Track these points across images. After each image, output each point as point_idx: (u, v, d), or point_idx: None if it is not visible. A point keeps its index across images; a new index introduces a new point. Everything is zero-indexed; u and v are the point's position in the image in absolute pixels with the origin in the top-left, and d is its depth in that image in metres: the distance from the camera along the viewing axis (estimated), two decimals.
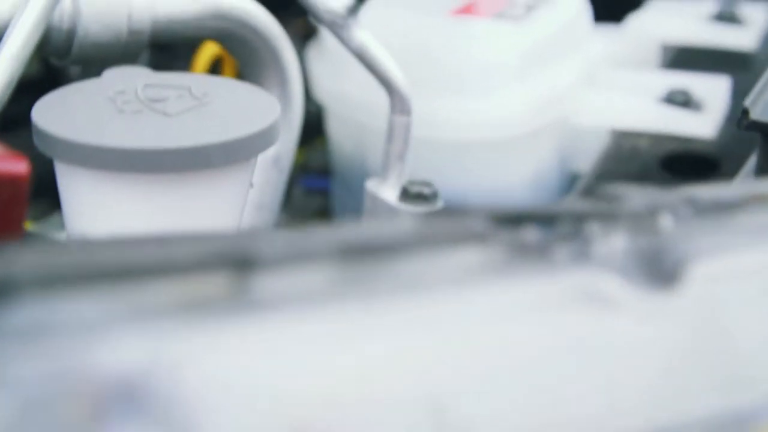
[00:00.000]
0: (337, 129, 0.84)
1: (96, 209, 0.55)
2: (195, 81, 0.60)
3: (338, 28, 0.68)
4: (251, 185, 0.59)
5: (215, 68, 1.04)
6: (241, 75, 0.75)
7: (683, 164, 0.78)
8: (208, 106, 0.57)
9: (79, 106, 0.57)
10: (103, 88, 0.59)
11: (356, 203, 0.81)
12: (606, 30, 0.94)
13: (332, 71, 0.81)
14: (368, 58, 0.69)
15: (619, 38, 0.93)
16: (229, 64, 1.05)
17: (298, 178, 0.97)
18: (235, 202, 0.57)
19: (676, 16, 0.94)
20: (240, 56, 0.73)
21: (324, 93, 0.83)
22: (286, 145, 0.74)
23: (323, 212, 1.01)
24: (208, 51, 1.01)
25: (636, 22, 0.94)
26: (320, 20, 0.69)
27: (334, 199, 0.88)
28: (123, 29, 0.66)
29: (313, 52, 0.87)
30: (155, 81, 0.60)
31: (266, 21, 0.72)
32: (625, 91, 0.83)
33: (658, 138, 0.79)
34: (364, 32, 0.69)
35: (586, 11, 0.85)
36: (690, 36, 0.93)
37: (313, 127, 0.88)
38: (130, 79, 0.61)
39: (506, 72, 0.76)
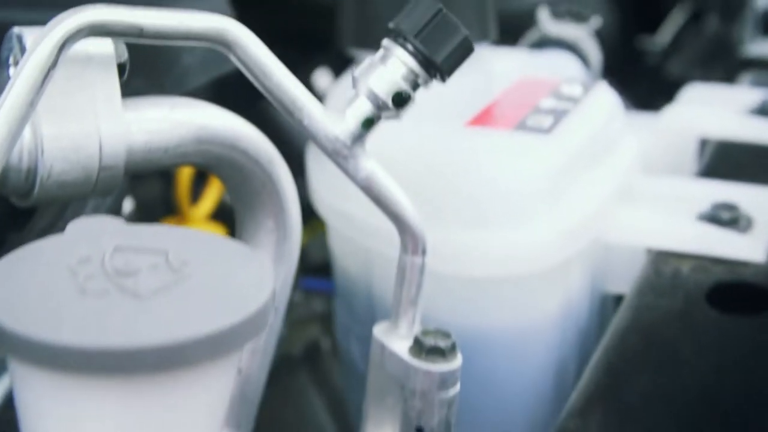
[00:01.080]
0: (339, 247, 0.75)
1: (55, 415, 0.46)
2: (173, 242, 0.51)
3: (342, 159, 0.59)
4: (239, 371, 0.50)
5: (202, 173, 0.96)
6: (231, 202, 0.66)
7: (733, 295, 0.68)
8: (187, 281, 0.48)
9: (33, 282, 0.48)
10: (64, 252, 0.50)
11: (360, 331, 0.72)
12: (639, 121, 0.85)
13: (334, 185, 0.72)
14: (376, 192, 0.60)
15: (654, 133, 0.84)
16: (214, 185, 0.97)
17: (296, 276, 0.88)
18: (221, 397, 0.48)
19: (715, 108, 0.85)
20: (230, 182, 0.64)
21: (324, 208, 0.74)
22: (282, 282, 0.65)
23: (325, 319, 0.92)
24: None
25: (672, 114, 0.85)
26: (321, 149, 0.60)
27: (336, 322, 0.79)
28: (93, 165, 0.57)
29: (312, 154, 0.78)
30: (127, 242, 0.51)
31: (259, 142, 0.63)
32: (664, 203, 0.74)
33: (702, 262, 0.70)
34: (371, 162, 0.60)
35: (617, 107, 0.77)
36: (730, 130, 0.84)
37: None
38: (98, 238, 0.51)
39: (532, 196, 0.66)
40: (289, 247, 0.65)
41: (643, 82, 1.17)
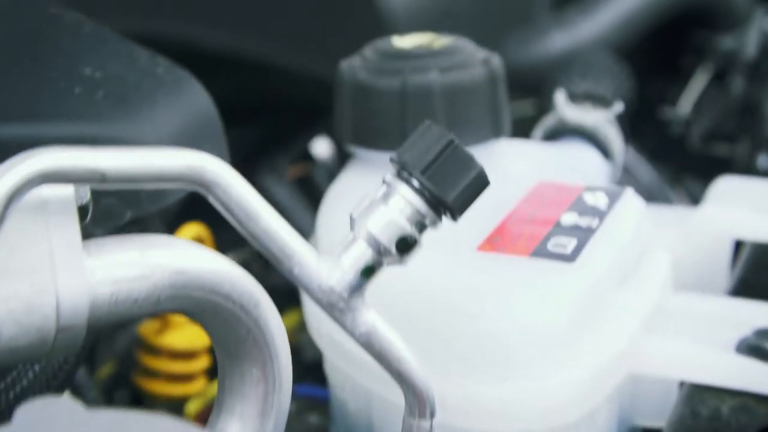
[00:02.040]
0: (337, 379, 0.67)
1: None
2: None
3: (338, 313, 0.52)
4: None
5: None
6: (214, 348, 0.59)
7: None
8: None
9: None
10: None
11: None
12: (668, 217, 0.77)
13: None
14: (378, 349, 0.52)
15: (684, 234, 0.76)
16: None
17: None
18: None
19: (749, 205, 0.77)
20: (210, 327, 0.56)
21: (320, 337, 0.66)
22: None
23: None
24: (189, 233, 0.85)
25: (703, 213, 0.77)
26: (315, 301, 0.52)
27: None
28: (49, 327, 0.49)
29: None
30: None
31: (243, 284, 0.55)
32: (699, 327, 0.66)
33: (745, 401, 0.62)
34: (371, 314, 0.52)
35: (645, 218, 0.69)
36: (766, 232, 0.76)
37: None
38: (51, 427, 0.44)
39: (554, 340, 0.58)
40: (279, 399, 0.57)
41: (667, 154, 1.09)
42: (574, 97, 0.84)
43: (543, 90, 1.33)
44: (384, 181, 0.52)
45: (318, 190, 1.06)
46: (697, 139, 1.09)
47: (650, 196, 1.21)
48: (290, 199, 1.01)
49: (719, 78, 1.16)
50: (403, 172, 0.52)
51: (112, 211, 0.62)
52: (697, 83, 1.15)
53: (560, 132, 0.81)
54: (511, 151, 0.74)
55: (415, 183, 0.52)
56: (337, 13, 0.91)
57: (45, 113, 0.62)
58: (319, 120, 1.07)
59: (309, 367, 0.91)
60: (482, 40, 1.08)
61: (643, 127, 1.18)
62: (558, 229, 0.64)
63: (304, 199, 1.03)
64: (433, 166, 0.51)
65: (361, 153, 0.73)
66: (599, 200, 0.67)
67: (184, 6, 0.92)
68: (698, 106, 1.14)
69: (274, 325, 0.56)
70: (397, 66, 0.72)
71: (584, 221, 0.65)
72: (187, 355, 0.83)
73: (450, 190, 0.51)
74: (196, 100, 0.67)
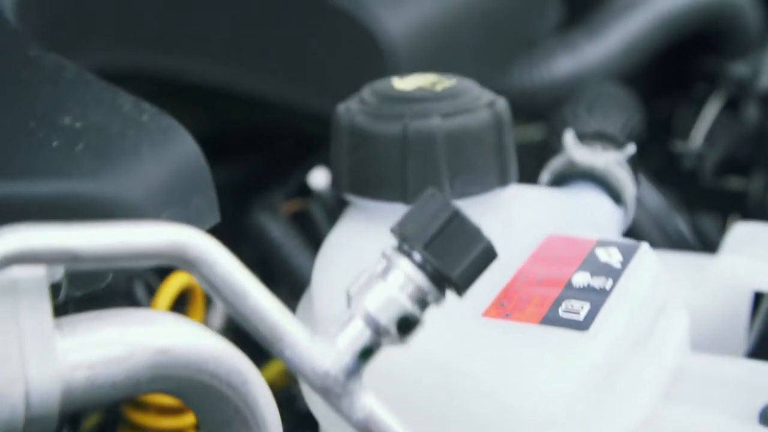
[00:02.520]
0: None
1: None
2: None
3: (335, 398, 0.48)
4: None
5: (183, 298, 0.84)
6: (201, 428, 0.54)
7: None
8: None
9: None
10: None
11: None
12: (683, 270, 0.73)
13: None
14: None
15: (701, 285, 0.72)
16: (197, 299, 0.85)
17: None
18: None
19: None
20: (196, 407, 0.52)
21: (318, 409, 0.62)
22: None
23: None
24: (176, 282, 0.81)
25: (721, 264, 0.73)
26: (309, 385, 0.48)
27: None
28: (17, 419, 0.45)
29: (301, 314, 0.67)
30: None
31: (231, 361, 0.50)
32: (718, 395, 0.62)
33: None
34: (370, 399, 0.48)
35: (662, 275, 0.65)
36: None
37: None
38: None
39: (566, 413, 0.54)
40: None
41: (680, 188, 1.05)
42: (583, 137, 0.80)
43: (548, 116, 1.29)
44: (383, 255, 0.48)
45: (315, 225, 1.02)
46: (709, 173, 1.05)
47: (657, 221, 1.17)
48: (286, 237, 0.96)
49: (732, 106, 1.12)
50: (403, 245, 0.48)
51: (92, 274, 0.58)
52: (709, 113, 1.11)
53: (569, 175, 0.77)
54: (519, 199, 0.70)
55: (417, 257, 0.47)
56: (335, 46, 0.87)
57: (20, 169, 0.58)
58: (317, 151, 1.03)
59: (302, 416, 0.87)
60: (486, 69, 1.04)
61: (652, 159, 1.14)
62: (569, 291, 0.60)
63: (300, 235, 0.99)
64: (436, 239, 0.47)
65: (360, 202, 0.69)
66: (612, 257, 0.63)
67: (177, 39, 0.88)
68: (710, 136, 1.10)
69: (264, 403, 0.52)
70: (397, 110, 0.68)
71: (597, 282, 0.61)
72: (176, 410, 0.78)
73: (455, 265, 0.47)
74: (183, 150, 0.63)
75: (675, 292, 0.67)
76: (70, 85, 0.64)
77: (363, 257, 0.58)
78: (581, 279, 0.61)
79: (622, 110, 0.93)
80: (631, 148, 0.78)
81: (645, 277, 0.62)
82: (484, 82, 1.03)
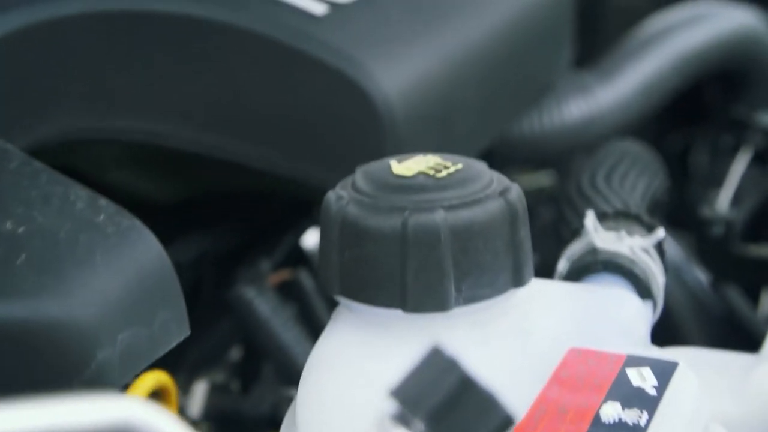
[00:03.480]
0: None
1: None
2: None
3: None
4: None
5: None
6: None
7: None
8: None
9: None
10: None
11: None
12: (719, 374, 0.65)
13: None
14: None
15: (740, 397, 0.63)
16: (170, 398, 0.76)
17: None
18: None
19: None
20: None
21: None
22: None
23: None
24: (149, 382, 0.72)
25: (761, 375, 0.64)
26: None
27: None
28: None
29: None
30: None
31: None
32: None
33: None
34: None
35: (701, 400, 0.56)
36: None
37: None
38: None
39: None
40: None
41: (708, 258, 0.96)
42: (605, 217, 0.71)
43: (560, 172, 1.20)
44: (379, 424, 0.39)
45: (305, 296, 0.93)
46: (738, 240, 0.96)
47: (675, 271, 1.08)
48: (273, 312, 0.88)
49: (761, 160, 1.03)
50: (403, 412, 0.39)
51: None
52: (736, 170, 1.02)
53: (591, 265, 0.68)
54: (535, 300, 0.61)
55: (419, 428, 0.39)
56: (325, 107, 0.78)
57: None
58: (308, 216, 0.94)
59: None
60: (495, 125, 0.95)
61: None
62: (598, 428, 0.51)
63: (289, 308, 0.91)
64: (441, 408, 0.38)
65: (352, 305, 0.60)
66: (646, 380, 0.54)
67: (152, 103, 0.79)
68: (738, 194, 1.01)
69: None
70: (395, 201, 0.59)
71: (630, 416, 0.52)
72: None
73: None
74: (145, 256, 0.54)
75: (714, 406, 0.59)
76: (15, 179, 0.55)
77: (354, 378, 0.49)
78: (611, 412, 0.52)
79: (644, 176, 0.84)
80: (660, 232, 0.69)
81: (685, 407, 0.53)
82: (492, 137, 0.94)
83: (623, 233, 0.69)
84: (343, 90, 0.77)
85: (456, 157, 0.63)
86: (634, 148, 0.89)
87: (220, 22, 0.77)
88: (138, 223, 0.55)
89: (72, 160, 0.82)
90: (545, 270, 0.69)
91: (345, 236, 0.59)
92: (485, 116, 0.90)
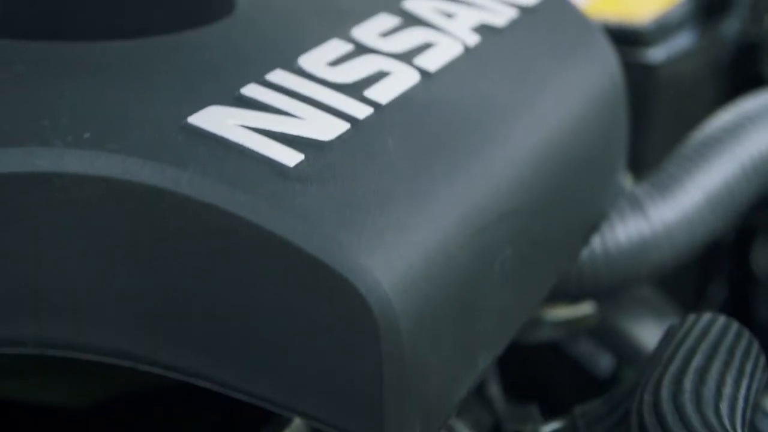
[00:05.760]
0: None
1: None
2: None
3: None
4: None
5: None
6: None
7: None
8: None
9: None
10: None
11: None
12: None
13: None
14: None
15: None
16: None
17: None
18: None
19: None
20: None
21: None
22: None
23: None
24: None
25: None
26: None
27: None
28: None
29: None
30: None
31: None
32: None
33: None
34: None
35: None
36: None
37: None
38: None
39: None
40: None
41: None
42: None
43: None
44: None
45: None
46: None
47: None
48: None
49: None
50: None
51: None
52: None
53: None
54: None
55: None
56: (300, 311, 0.55)
57: None
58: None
59: None
60: (532, 295, 0.71)
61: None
62: None
63: None
64: None
65: None
66: None
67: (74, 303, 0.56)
68: None
69: None
70: None
71: None
72: None
73: None
74: None
75: None
76: None
77: None
78: None
79: (742, 382, 0.61)
80: None
81: None
82: (532, 311, 0.70)
83: None
84: (322, 285, 0.53)
85: None
86: (728, 333, 0.65)
87: (151, 186, 0.54)
88: None
89: None
90: None
91: None
92: (521, 289, 0.66)
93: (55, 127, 0.55)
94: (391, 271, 0.54)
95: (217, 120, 0.58)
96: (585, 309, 0.99)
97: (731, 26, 1.30)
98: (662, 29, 1.20)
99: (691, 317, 0.66)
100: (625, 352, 1.04)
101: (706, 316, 0.66)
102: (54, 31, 0.63)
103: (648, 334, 1.03)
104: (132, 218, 0.54)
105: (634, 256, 0.91)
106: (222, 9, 0.71)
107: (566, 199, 0.71)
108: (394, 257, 0.54)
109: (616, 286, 0.91)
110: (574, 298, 0.94)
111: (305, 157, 0.57)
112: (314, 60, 0.67)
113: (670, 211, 0.92)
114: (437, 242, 0.57)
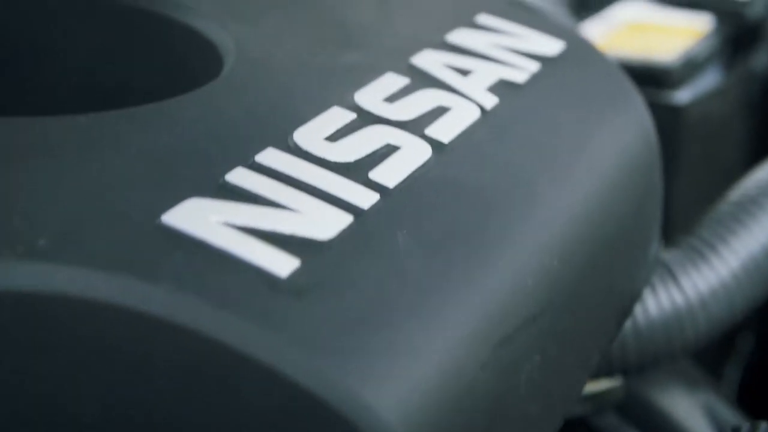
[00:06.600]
0: None
1: None
2: None
3: None
4: None
5: None
6: None
7: None
8: None
9: None
10: None
11: None
12: None
13: None
14: None
15: None
16: None
17: None
18: None
19: None
20: None
21: None
22: None
23: None
24: None
25: None
26: None
27: None
28: None
29: None
30: None
31: None
32: None
33: None
34: None
35: None
36: None
37: None
38: None
39: None
40: None
41: None
42: None
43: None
44: None
45: None
46: None
47: None
48: None
49: None
50: None
51: None
52: None
53: None
54: None
55: None
56: None
57: None
58: None
59: None
60: (567, 398, 0.63)
61: None
62: None
63: None
64: None
65: None
66: None
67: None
68: None
69: None
70: None
71: None
72: None
73: None
74: None
75: None
76: None
77: None
78: None
79: None
80: None
81: None
82: (565, 415, 0.61)
83: None
84: (321, 426, 0.45)
85: None
86: None
87: (116, 305, 0.45)
88: None
89: None
90: None
91: None
92: (551, 396, 0.57)
93: (4, 233, 0.47)
94: (402, 409, 0.45)
95: (196, 217, 0.50)
96: (611, 381, 0.90)
97: (760, 60, 1.21)
98: (688, 67, 1.12)
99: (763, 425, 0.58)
100: (653, 426, 0.95)
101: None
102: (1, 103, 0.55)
103: (678, 407, 0.95)
104: (94, 342, 0.45)
105: (666, 330, 0.82)
106: (206, 72, 0.62)
107: (600, 287, 0.62)
108: (404, 391, 0.45)
109: (647, 363, 0.82)
110: (600, 376, 0.86)
111: (300, 263, 0.48)
112: (311, 134, 0.58)
113: (704, 280, 0.83)
114: (455, 364, 0.49)
